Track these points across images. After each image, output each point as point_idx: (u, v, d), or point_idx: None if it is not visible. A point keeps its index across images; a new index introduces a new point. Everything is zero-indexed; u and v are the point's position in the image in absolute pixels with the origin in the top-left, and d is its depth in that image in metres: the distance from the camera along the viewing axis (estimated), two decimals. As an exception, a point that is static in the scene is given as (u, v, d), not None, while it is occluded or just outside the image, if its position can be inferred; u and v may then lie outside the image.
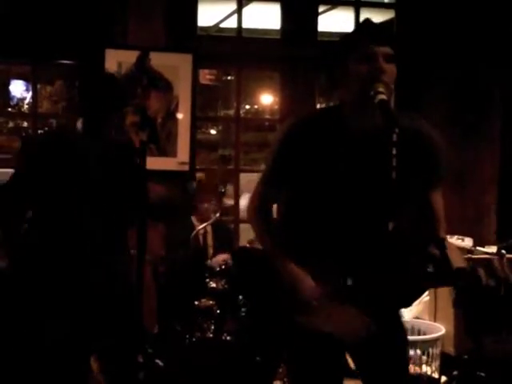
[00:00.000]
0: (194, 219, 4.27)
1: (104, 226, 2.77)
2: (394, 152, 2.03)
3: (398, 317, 2.35)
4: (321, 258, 2.21)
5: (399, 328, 2.34)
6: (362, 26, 2.28)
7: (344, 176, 2.17)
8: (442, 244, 1.97)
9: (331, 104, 2.35)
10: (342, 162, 2.16)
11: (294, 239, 2.26)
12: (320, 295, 2.16)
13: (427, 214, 2.17)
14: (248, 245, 3.86)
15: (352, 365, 3.86)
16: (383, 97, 2.05)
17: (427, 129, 2.23)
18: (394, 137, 2.05)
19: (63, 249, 2.72)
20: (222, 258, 3.95)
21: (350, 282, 2.18)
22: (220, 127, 10.02)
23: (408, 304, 2.54)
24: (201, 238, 4.20)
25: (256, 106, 9.90)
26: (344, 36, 2.28)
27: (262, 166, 2.37)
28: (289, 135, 2.20)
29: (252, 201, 2.31)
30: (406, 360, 2.49)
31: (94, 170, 2.79)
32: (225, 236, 4.32)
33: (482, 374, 3.65)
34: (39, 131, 5.09)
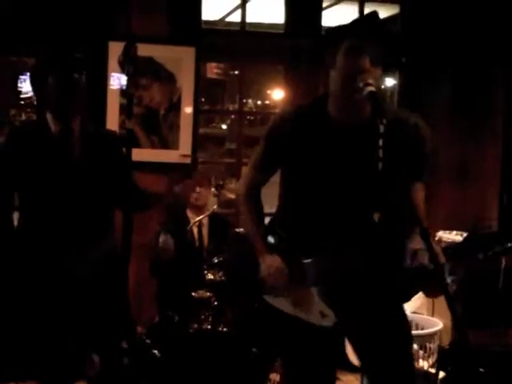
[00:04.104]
0: (188, 212, 4.20)
1: (87, 211, 2.76)
2: (381, 143, 2.04)
3: (399, 312, 2.36)
4: (308, 240, 2.27)
5: (401, 322, 2.34)
6: (356, 21, 2.35)
7: (328, 165, 2.21)
8: (426, 234, 1.97)
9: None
10: (325, 151, 2.21)
11: (289, 222, 2.35)
12: (279, 273, 2.25)
13: (406, 208, 2.16)
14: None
15: (352, 359, 3.88)
16: (372, 88, 2.08)
17: (413, 119, 2.25)
18: (381, 128, 2.06)
19: (48, 234, 2.72)
20: None
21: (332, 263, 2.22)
22: (228, 121, 10.06)
23: (406, 298, 2.54)
24: (195, 230, 4.15)
25: (262, 101, 9.92)
26: (335, 28, 2.31)
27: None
28: (277, 126, 2.31)
29: (243, 184, 2.47)
30: (410, 355, 2.45)
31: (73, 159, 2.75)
32: (221, 229, 4.21)
33: (481, 370, 3.64)
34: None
